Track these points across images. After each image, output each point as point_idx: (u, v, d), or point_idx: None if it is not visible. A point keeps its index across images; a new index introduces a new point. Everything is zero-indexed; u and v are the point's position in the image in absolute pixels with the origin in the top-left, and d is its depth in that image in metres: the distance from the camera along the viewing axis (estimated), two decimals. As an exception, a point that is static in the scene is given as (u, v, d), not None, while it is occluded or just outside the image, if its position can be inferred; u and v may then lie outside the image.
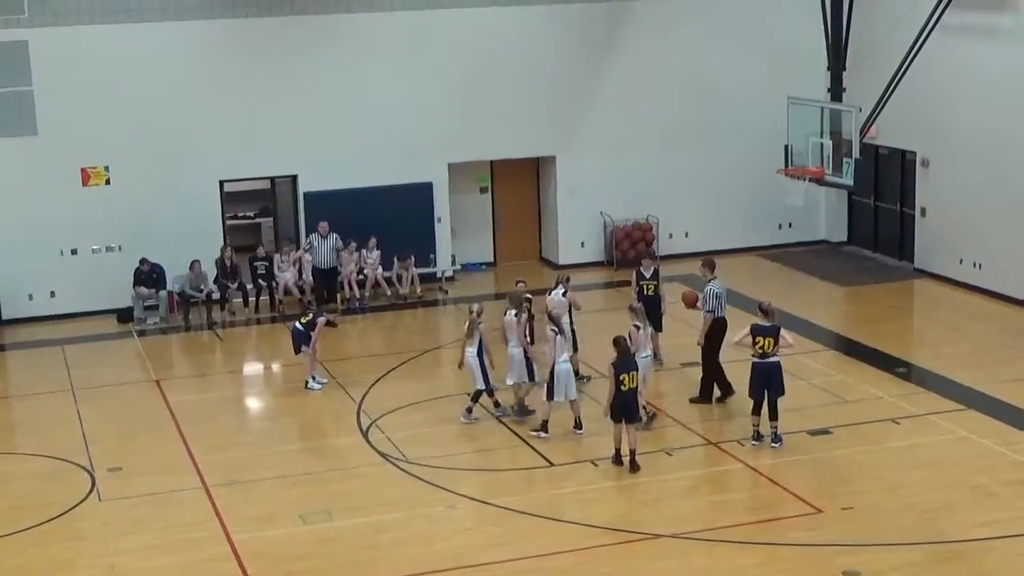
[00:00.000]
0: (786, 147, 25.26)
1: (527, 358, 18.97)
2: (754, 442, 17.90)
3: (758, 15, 28.37)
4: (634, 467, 17.11)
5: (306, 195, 26.74)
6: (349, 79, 26.54)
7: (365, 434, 18.98)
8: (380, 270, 26.41)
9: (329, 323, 21.50)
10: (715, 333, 19.50)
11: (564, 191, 28.41)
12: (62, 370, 22.66)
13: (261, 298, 26.10)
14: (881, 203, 28.42)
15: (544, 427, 18.42)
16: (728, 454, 17.79)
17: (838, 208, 29.53)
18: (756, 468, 17.28)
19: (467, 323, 19.19)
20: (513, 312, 19.24)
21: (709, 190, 28.82)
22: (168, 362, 23.62)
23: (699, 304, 19.74)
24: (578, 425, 18.50)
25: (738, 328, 18.44)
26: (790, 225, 29.48)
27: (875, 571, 14.23)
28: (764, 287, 24.71)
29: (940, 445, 17.86)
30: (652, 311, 19.87)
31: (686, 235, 28.87)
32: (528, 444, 18.27)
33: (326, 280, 25.98)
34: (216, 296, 25.68)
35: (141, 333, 25.01)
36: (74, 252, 25.66)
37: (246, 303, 25.97)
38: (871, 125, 24.43)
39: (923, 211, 26.89)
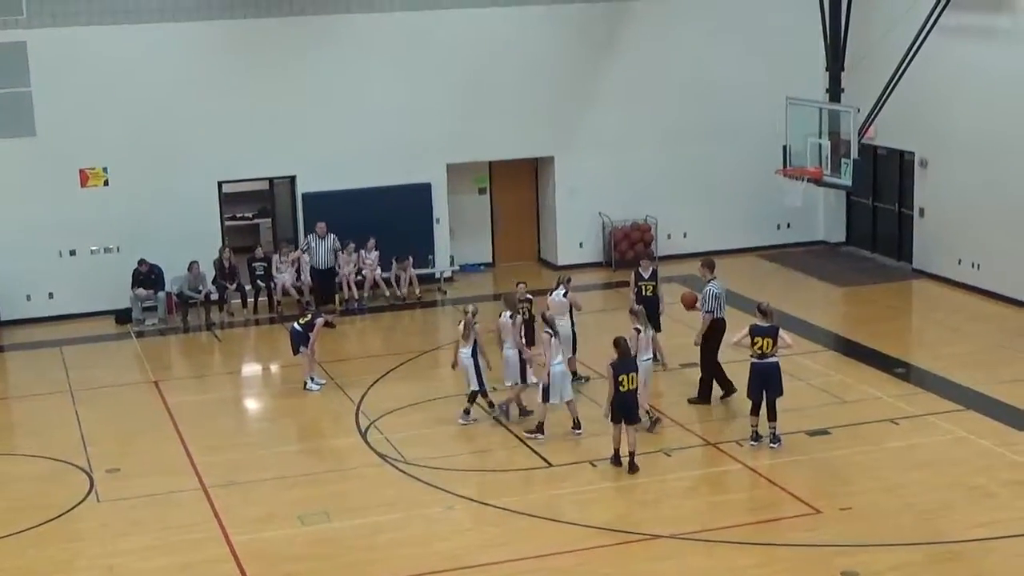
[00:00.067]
0: (784, 148, 25.26)
1: (521, 360, 18.95)
2: (753, 443, 17.90)
3: (756, 16, 28.37)
4: (633, 468, 17.11)
5: (304, 196, 26.74)
6: (347, 80, 26.55)
7: (363, 435, 18.98)
8: (379, 271, 26.41)
9: (327, 324, 21.50)
10: (714, 334, 19.50)
11: (563, 192, 28.41)
12: (60, 371, 22.65)
13: (260, 299, 26.10)
14: (879, 203, 28.43)
15: (540, 428, 18.42)
16: (727, 455, 17.79)
17: (836, 209, 29.54)
18: (755, 469, 17.29)
19: (462, 323, 19.18)
20: (508, 314, 19.25)
21: (708, 191, 28.83)
22: (166, 363, 23.61)
23: (698, 305, 19.75)
24: (576, 425, 18.50)
25: (737, 329, 18.44)
26: (788, 225, 29.48)
27: (874, 571, 14.23)
28: (762, 288, 24.72)
29: (939, 445, 17.87)
30: (651, 312, 19.84)
31: (684, 236, 28.88)
32: (526, 445, 18.26)
33: (324, 281, 25.96)
34: (215, 297, 25.68)
35: (139, 334, 25.00)
36: (72, 253, 25.65)
37: (244, 304, 25.97)
38: (869, 126, 24.43)
39: (921, 211, 26.89)
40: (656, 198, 28.51)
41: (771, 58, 28.24)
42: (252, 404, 21.89)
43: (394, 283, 26.58)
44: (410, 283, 26.62)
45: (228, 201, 27.44)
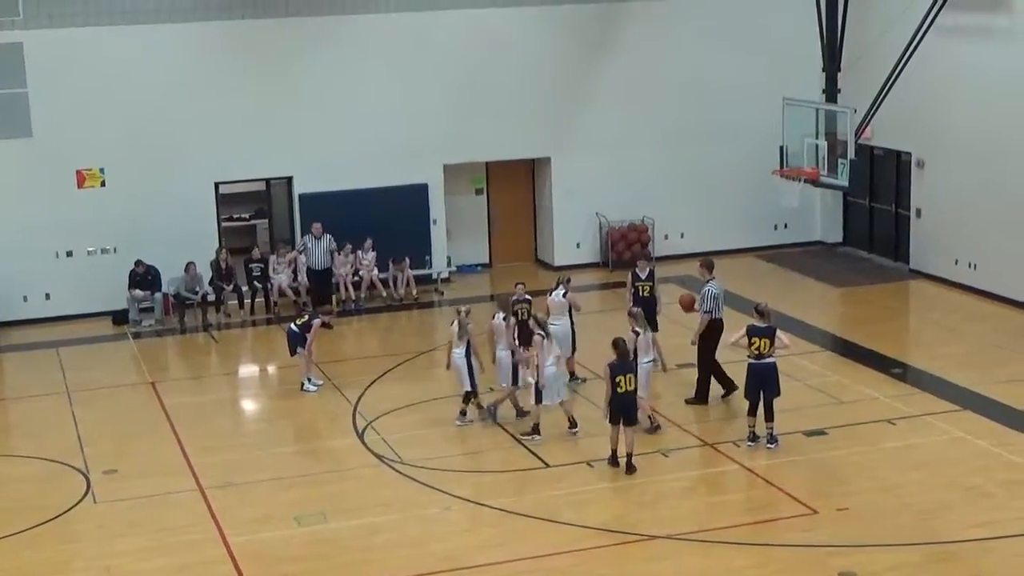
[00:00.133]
0: (781, 148, 25.22)
1: (514, 362, 18.94)
2: (750, 443, 17.90)
3: (753, 16, 28.38)
4: (630, 469, 17.11)
5: (301, 197, 26.73)
6: (344, 81, 26.54)
7: (360, 436, 18.98)
8: (376, 272, 26.40)
9: (325, 325, 21.48)
10: (711, 334, 19.50)
11: (560, 192, 28.40)
12: (57, 372, 22.63)
13: (256, 300, 26.09)
14: (876, 204, 28.44)
15: (536, 430, 18.41)
16: (724, 455, 17.79)
17: (833, 209, 29.55)
18: (752, 469, 17.29)
19: (455, 323, 19.17)
20: (501, 315, 19.24)
21: (705, 191, 28.84)
22: (163, 364, 23.61)
23: (696, 306, 19.74)
24: (572, 424, 18.51)
25: (734, 329, 18.44)
26: (785, 226, 29.49)
27: (871, 572, 14.23)
28: (760, 288, 24.73)
29: (936, 446, 17.87)
30: (648, 312, 19.84)
31: (682, 236, 28.88)
32: (523, 446, 18.26)
33: (320, 281, 25.95)
34: (211, 298, 25.66)
35: (136, 335, 24.99)
36: (69, 254, 25.64)
37: (241, 305, 25.96)
38: (866, 126, 24.40)
39: (918, 212, 26.90)
40: (653, 198, 28.52)
41: (768, 59, 28.25)
42: (249, 405, 21.89)
43: (391, 284, 26.57)
44: (407, 284, 26.62)
45: (225, 202, 27.44)
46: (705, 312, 19.47)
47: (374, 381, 21.42)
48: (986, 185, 24.87)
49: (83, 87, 25.11)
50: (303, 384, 21.04)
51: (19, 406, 21.39)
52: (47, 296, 25.65)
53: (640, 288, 20.94)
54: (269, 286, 26.01)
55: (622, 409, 17.01)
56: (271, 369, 23.25)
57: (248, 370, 23.94)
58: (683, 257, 27.79)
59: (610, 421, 17.17)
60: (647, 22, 28.06)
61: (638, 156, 28.38)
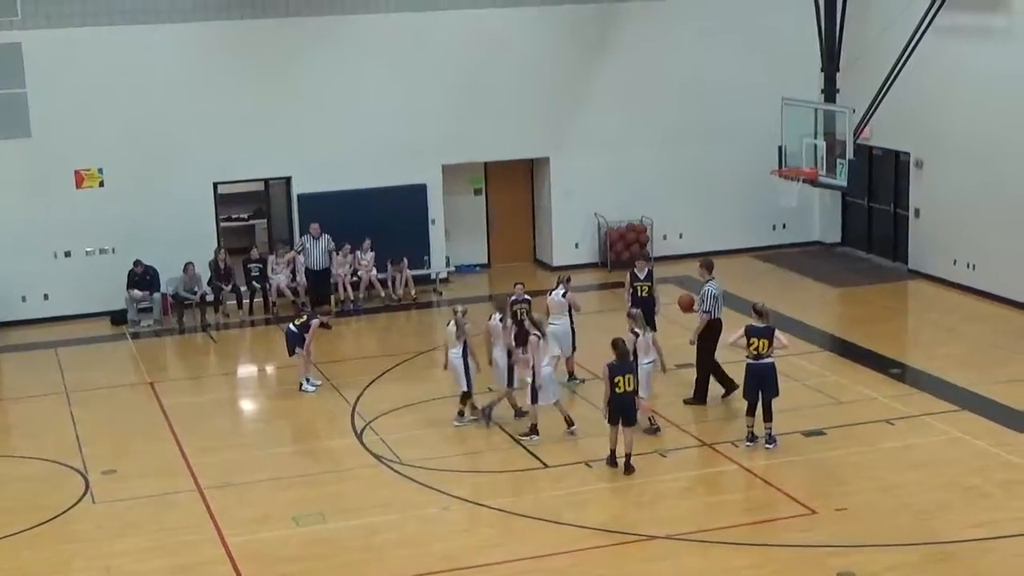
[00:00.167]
0: (780, 148, 25.25)
1: (509, 364, 18.91)
2: (748, 443, 17.90)
3: (751, 16, 28.38)
4: (628, 469, 17.10)
5: (300, 197, 26.73)
6: (343, 81, 26.53)
7: (359, 436, 18.98)
8: (374, 272, 26.40)
9: (323, 325, 21.49)
10: (710, 334, 19.50)
11: (558, 192, 28.41)
12: (56, 373, 22.62)
13: (255, 300, 26.08)
14: (875, 204, 28.45)
15: (534, 430, 18.42)
16: (722, 455, 17.79)
17: (832, 209, 29.56)
18: (750, 469, 17.29)
19: (452, 323, 19.15)
20: (498, 316, 19.23)
21: (703, 191, 28.84)
22: (162, 364, 23.60)
23: (695, 307, 19.74)
24: (570, 423, 18.51)
25: (733, 330, 18.45)
26: (784, 226, 29.49)
27: (869, 572, 14.24)
28: (758, 288, 24.71)
29: (934, 446, 17.88)
30: (646, 312, 19.85)
31: (680, 236, 28.88)
32: (522, 446, 18.26)
33: (318, 282, 25.95)
34: (210, 298, 25.65)
35: (135, 335, 24.98)
36: (68, 254, 25.63)
37: (240, 305, 25.95)
38: (865, 126, 24.43)
39: (917, 212, 26.90)
40: (652, 199, 28.52)
41: (766, 59, 28.25)
42: (248, 405, 21.89)
43: (390, 284, 26.57)
44: (406, 284, 26.63)
45: (224, 202, 27.44)
46: (704, 312, 19.47)
47: (373, 381, 21.42)
48: (985, 185, 24.87)
49: (82, 87, 25.11)
50: (301, 384, 21.03)
51: (18, 406, 21.38)
52: (45, 296, 25.65)
53: (639, 288, 20.95)
54: (268, 286, 26.01)
55: (621, 409, 17.01)
56: (270, 369, 23.24)
57: (247, 370, 23.93)
58: (682, 257, 27.81)
59: (609, 421, 17.17)
60: (645, 22, 28.06)
61: (637, 156, 28.39)
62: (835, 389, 20.26)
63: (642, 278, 21.04)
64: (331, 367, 22.07)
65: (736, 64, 28.31)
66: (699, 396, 19.69)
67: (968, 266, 25.49)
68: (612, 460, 17.29)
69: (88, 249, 25.70)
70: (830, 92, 25.05)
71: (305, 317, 21.20)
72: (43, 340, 24.59)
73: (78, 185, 25.51)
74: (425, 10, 26.79)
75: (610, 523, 15.79)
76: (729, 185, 28.77)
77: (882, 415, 18.96)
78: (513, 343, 18.75)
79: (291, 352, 21.10)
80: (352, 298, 26.15)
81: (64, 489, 17.33)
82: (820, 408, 19.39)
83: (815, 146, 24.41)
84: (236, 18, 25.81)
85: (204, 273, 25.69)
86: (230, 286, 25.82)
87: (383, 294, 26.45)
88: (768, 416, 17.81)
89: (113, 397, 21.44)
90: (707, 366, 19.65)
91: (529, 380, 18.34)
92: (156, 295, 25.52)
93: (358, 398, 20.57)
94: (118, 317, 25.49)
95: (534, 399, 18.31)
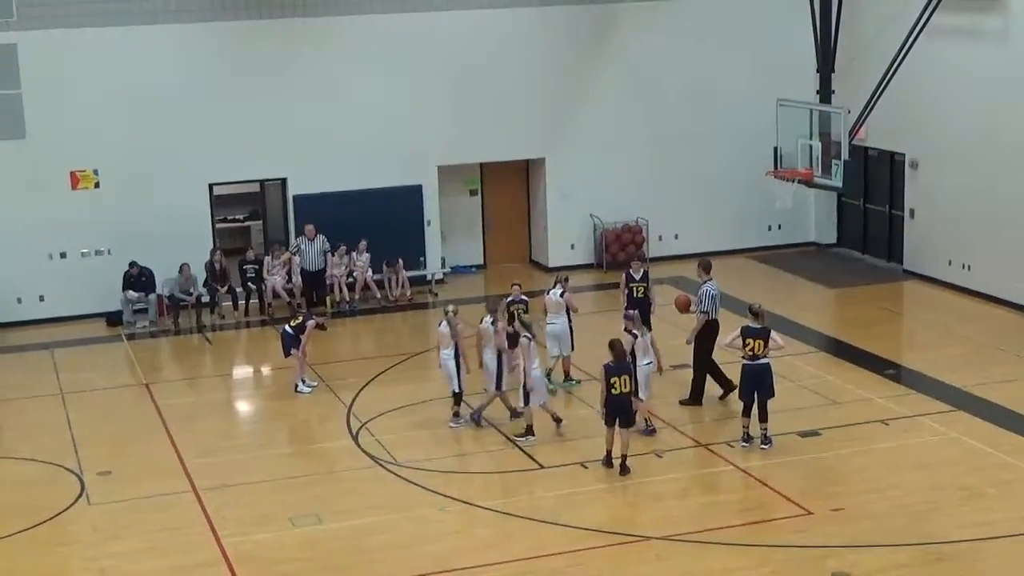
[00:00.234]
0: (775, 149, 25.28)
1: (499, 366, 18.90)
2: (744, 444, 17.91)
3: (747, 18, 28.39)
4: (624, 470, 17.10)
5: (296, 198, 26.72)
6: (338, 82, 26.51)
7: (355, 437, 18.97)
8: (370, 273, 26.40)
9: (319, 326, 21.49)
10: (707, 335, 19.50)
11: (554, 193, 28.41)
12: (51, 374, 22.61)
13: (251, 301, 26.07)
14: (870, 205, 28.47)
15: (530, 431, 18.42)
16: (718, 456, 17.80)
17: (827, 210, 29.57)
18: (746, 470, 17.30)
19: (444, 324, 19.14)
20: (490, 319, 19.22)
21: (699, 192, 28.84)
22: (158, 366, 23.59)
23: (692, 308, 19.75)
24: (557, 421, 18.53)
25: (729, 330, 18.46)
26: (779, 227, 29.50)
27: (865, 572, 14.25)
28: (754, 289, 24.71)
29: (929, 446, 17.90)
30: (642, 313, 19.86)
31: (676, 237, 28.89)
32: (518, 447, 18.26)
33: (314, 283, 25.94)
34: (206, 299, 25.64)
35: (130, 337, 24.96)
36: (63, 256, 25.60)
37: (236, 306, 25.94)
38: (860, 127, 24.46)
39: (912, 213, 26.93)
40: (647, 200, 28.52)
41: (761, 60, 28.26)
42: (243, 406, 21.87)
43: (385, 285, 26.57)
44: (401, 285, 26.62)
45: (219, 203, 27.42)
46: (702, 312, 19.48)
47: (368, 383, 21.41)
48: (980, 186, 24.88)
49: (77, 88, 25.08)
50: (297, 386, 21.02)
51: (13, 408, 21.33)
52: (41, 298, 25.61)
53: (634, 289, 20.95)
54: (263, 287, 25.98)
55: (617, 411, 17.02)
56: (265, 371, 23.24)
57: (242, 371, 23.91)
58: (677, 258, 27.83)
59: (606, 422, 17.17)
60: (640, 24, 28.06)
61: (632, 157, 28.39)
62: (831, 390, 20.27)
63: (637, 279, 21.04)
64: (327, 368, 22.06)
65: (731, 65, 28.32)
66: (695, 397, 19.70)
67: (963, 267, 25.52)
68: (608, 461, 17.29)
69: (84, 250, 25.67)
70: (825, 93, 25.07)
71: (301, 318, 21.19)
72: (39, 341, 24.56)
73: (74, 186, 25.48)
74: (420, 11, 26.77)
75: (606, 524, 15.79)
76: (724, 186, 28.78)
77: (877, 416, 18.97)
78: (505, 345, 18.75)
79: (287, 353, 21.09)
80: (348, 299, 26.14)
81: (60, 490, 17.31)
82: (816, 409, 19.40)
83: (810, 147, 24.43)
84: (231, 19, 25.77)
85: (200, 274, 25.67)
86: (226, 287, 25.79)
87: (379, 295, 26.45)
88: (764, 417, 17.82)
89: (109, 398, 21.42)
90: (704, 367, 19.66)
91: (520, 382, 18.34)
92: (152, 296, 25.50)
93: (354, 399, 20.56)
94: (114, 318, 25.47)
95: (526, 401, 18.31)
